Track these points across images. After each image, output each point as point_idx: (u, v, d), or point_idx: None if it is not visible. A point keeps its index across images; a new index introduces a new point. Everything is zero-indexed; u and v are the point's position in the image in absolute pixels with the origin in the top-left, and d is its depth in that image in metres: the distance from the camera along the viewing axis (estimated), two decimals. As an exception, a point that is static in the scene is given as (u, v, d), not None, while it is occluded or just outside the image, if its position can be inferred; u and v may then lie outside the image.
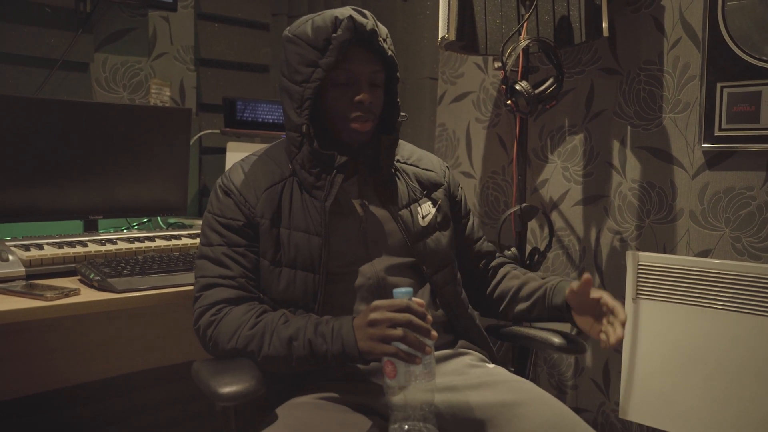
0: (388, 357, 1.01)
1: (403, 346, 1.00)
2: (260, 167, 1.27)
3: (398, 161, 1.35)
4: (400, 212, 1.28)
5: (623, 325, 1.16)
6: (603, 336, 1.18)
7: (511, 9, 1.99)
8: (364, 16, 1.19)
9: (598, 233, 2.11)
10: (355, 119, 1.21)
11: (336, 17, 1.17)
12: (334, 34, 1.16)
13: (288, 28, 1.24)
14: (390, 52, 1.22)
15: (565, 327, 2.06)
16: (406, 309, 1.02)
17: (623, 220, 2.05)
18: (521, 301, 1.37)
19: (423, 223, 1.30)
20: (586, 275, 1.19)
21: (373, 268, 1.23)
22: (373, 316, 1.04)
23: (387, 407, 1.04)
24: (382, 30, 1.22)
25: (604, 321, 1.20)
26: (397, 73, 1.27)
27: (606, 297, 1.21)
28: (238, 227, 1.21)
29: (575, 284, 1.23)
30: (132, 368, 1.78)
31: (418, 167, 1.37)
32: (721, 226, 1.85)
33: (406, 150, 1.40)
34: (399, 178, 1.32)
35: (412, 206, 1.31)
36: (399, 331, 1.01)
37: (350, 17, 1.17)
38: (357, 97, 1.20)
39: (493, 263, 1.46)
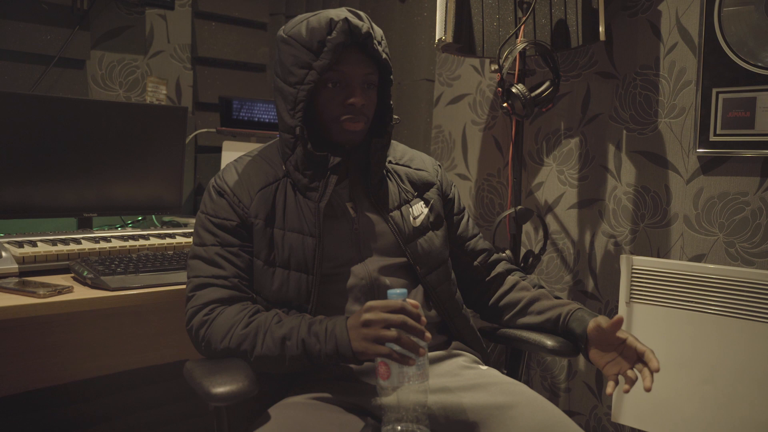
0: (382, 358, 1.01)
1: (396, 347, 1.01)
2: (253, 168, 1.27)
3: (390, 162, 1.35)
4: (391, 214, 1.28)
5: (652, 374, 1.16)
6: (620, 378, 1.17)
7: (508, 12, 2.00)
8: (360, 18, 1.19)
9: (593, 237, 2.11)
10: (347, 120, 1.21)
11: (331, 19, 1.16)
12: (328, 37, 1.16)
13: (282, 27, 1.24)
14: (384, 55, 1.22)
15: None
16: (401, 310, 1.02)
17: (618, 223, 2.06)
18: (530, 315, 1.36)
19: (415, 223, 1.30)
20: (619, 316, 1.19)
21: (365, 269, 1.23)
22: (367, 316, 1.04)
23: (380, 408, 1.04)
24: (377, 32, 1.22)
25: (629, 370, 1.19)
26: (391, 76, 1.27)
27: (633, 339, 1.20)
28: (232, 227, 1.21)
29: (603, 321, 1.22)
30: (125, 367, 1.77)
31: (410, 167, 1.37)
32: (715, 231, 1.85)
33: (398, 151, 1.40)
34: (390, 180, 1.32)
35: (403, 207, 1.31)
36: (393, 332, 1.01)
37: (345, 19, 1.16)
38: (349, 100, 1.20)
39: (499, 269, 1.44)
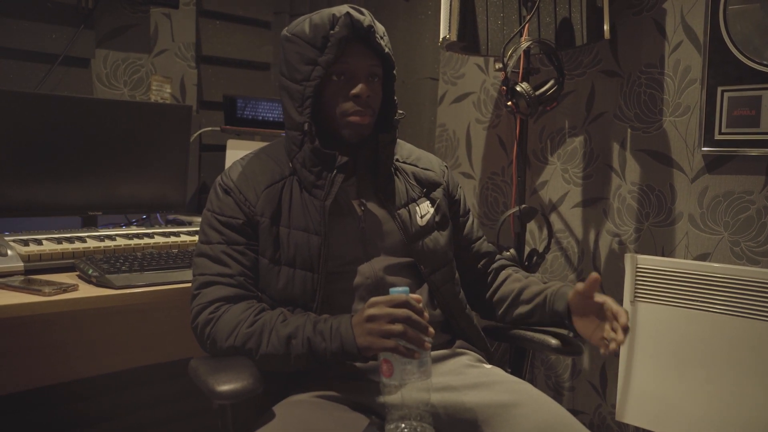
0: (387, 352, 1.01)
1: (401, 342, 1.01)
2: (260, 166, 1.27)
3: (397, 161, 1.35)
4: (398, 211, 1.29)
5: (625, 330, 1.14)
6: (604, 342, 1.16)
7: (512, 10, 1.99)
8: (361, 13, 1.21)
9: (597, 235, 2.11)
10: (353, 113, 1.21)
11: (333, 14, 1.18)
12: (332, 31, 1.17)
13: (286, 28, 1.25)
14: (387, 49, 1.23)
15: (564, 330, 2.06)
16: (405, 304, 1.03)
17: (622, 222, 2.05)
18: (521, 304, 1.37)
19: (421, 222, 1.31)
20: (594, 274, 1.18)
21: (371, 268, 1.23)
22: (371, 311, 1.04)
23: (384, 406, 1.05)
24: (379, 27, 1.23)
25: (607, 327, 1.18)
26: (394, 71, 1.28)
27: (609, 302, 1.19)
28: (238, 225, 1.21)
29: (581, 285, 1.21)
30: (129, 365, 1.78)
31: (416, 167, 1.38)
32: (720, 230, 1.85)
33: (405, 150, 1.41)
34: (398, 178, 1.33)
35: (410, 206, 1.31)
36: (398, 326, 1.01)
37: (347, 14, 1.18)
38: (355, 90, 1.20)
39: (494, 265, 1.45)
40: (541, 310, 1.33)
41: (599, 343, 1.18)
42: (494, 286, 1.43)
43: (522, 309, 1.36)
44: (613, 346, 1.13)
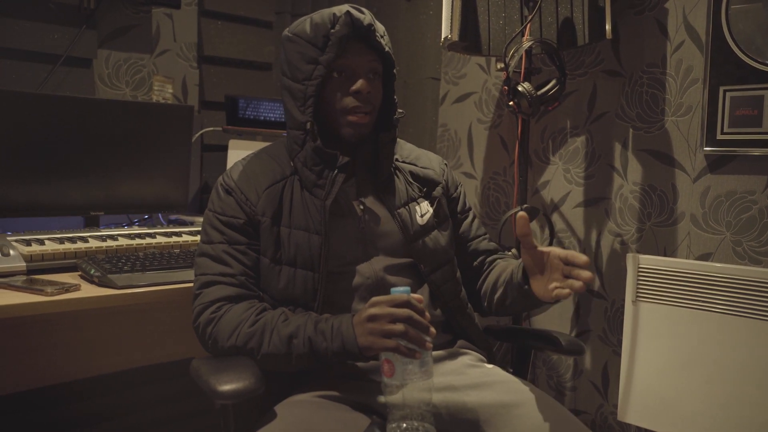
0: (388, 352, 1.02)
1: (402, 342, 1.01)
2: (261, 166, 1.28)
3: (397, 160, 1.35)
4: (398, 211, 1.29)
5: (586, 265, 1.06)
6: (556, 290, 1.07)
7: (514, 10, 1.99)
8: (361, 11, 1.21)
9: (599, 235, 2.11)
10: (353, 111, 1.21)
11: (334, 14, 1.19)
12: (332, 30, 1.18)
13: (287, 28, 1.26)
14: (387, 48, 1.24)
15: (564, 326, 2.07)
16: (406, 304, 1.03)
17: (624, 222, 2.05)
18: (498, 289, 1.33)
19: (421, 222, 1.31)
20: (521, 213, 1.11)
21: (371, 268, 1.23)
22: (373, 311, 1.04)
23: (385, 406, 1.05)
24: (379, 26, 1.24)
25: (555, 276, 1.10)
26: (394, 70, 1.28)
27: (556, 250, 1.11)
28: (239, 225, 1.21)
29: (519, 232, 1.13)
30: (131, 365, 1.78)
31: (416, 165, 1.38)
32: (722, 230, 1.85)
33: (405, 149, 1.41)
34: (398, 177, 1.33)
35: (410, 205, 1.31)
36: (399, 326, 1.01)
37: (348, 12, 1.19)
38: (354, 87, 1.21)
39: (488, 259, 1.43)
40: (510, 288, 1.27)
41: (550, 296, 1.10)
42: (481, 278, 1.41)
43: (498, 293, 1.32)
44: (576, 286, 1.05)
